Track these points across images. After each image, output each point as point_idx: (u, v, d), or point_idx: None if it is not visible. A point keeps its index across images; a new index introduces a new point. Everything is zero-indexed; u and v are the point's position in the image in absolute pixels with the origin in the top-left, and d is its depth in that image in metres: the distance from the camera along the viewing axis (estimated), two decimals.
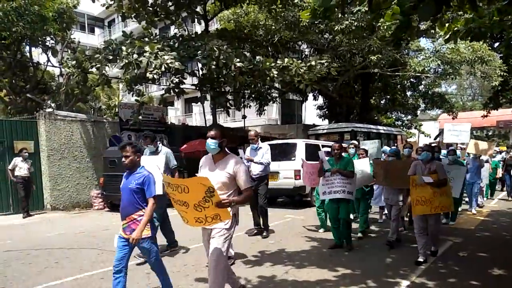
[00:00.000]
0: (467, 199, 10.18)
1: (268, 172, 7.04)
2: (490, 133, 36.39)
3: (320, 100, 22.16)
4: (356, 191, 6.50)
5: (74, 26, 19.33)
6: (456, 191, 6.59)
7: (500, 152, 15.36)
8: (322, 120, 22.67)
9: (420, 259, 5.23)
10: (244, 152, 7.30)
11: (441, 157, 8.39)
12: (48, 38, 16.51)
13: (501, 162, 13.47)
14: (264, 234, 7.01)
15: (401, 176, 5.86)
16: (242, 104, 17.56)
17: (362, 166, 6.83)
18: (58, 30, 15.82)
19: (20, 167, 9.77)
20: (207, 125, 15.40)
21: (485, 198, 11.69)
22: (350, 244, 6.09)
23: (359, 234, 6.87)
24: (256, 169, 6.84)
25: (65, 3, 15.69)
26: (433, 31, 13.34)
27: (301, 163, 7.66)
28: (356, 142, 9.23)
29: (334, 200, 5.88)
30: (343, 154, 6.36)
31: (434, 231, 5.49)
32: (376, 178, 6.71)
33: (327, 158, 6.32)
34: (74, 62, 10.54)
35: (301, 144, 10.54)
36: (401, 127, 24.28)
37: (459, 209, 8.93)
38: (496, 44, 15.03)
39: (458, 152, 9.64)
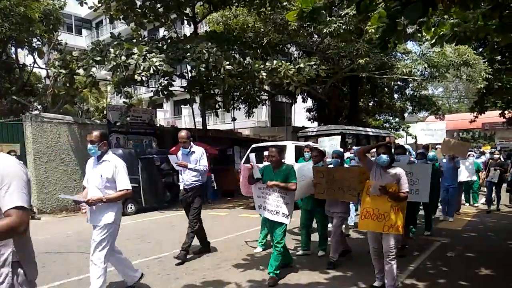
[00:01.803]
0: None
1: (204, 181, 5.87)
2: (476, 135, 37.05)
3: (309, 103, 22.29)
4: (307, 202, 5.71)
5: (61, 28, 19.10)
6: (423, 195, 5.40)
7: (483, 153, 14.19)
8: (312, 122, 22.79)
9: (376, 284, 4.41)
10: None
11: (412, 158, 7.30)
12: (34, 40, 16.28)
13: (482, 165, 11.78)
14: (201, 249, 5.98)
15: (349, 187, 4.95)
16: (232, 106, 17.56)
17: (306, 171, 5.54)
18: (44, 31, 15.62)
19: None
20: (197, 127, 15.34)
21: (466, 204, 10.92)
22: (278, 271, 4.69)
23: (320, 252, 5.75)
24: (188, 178, 5.68)
25: (51, 5, 15.50)
26: (419, 34, 13.53)
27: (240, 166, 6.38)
28: (312, 145, 7.88)
29: (268, 219, 4.75)
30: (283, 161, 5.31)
31: (387, 252, 4.17)
32: (315, 190, 5.35)
33: (266, 163, 5.46)
34: (60, 63, 10.41)
35: (290, 146, 10.57)
36: (389, 129, 24.55)
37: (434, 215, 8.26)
38: (481, 49, 15.32)
39: (433, 153, 8.46)
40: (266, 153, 6.10)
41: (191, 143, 5.79)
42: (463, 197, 10.75)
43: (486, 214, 9.86)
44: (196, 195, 5.72)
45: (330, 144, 8.96)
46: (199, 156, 5.66)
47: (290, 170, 4.65)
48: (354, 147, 7.07)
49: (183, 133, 5.74)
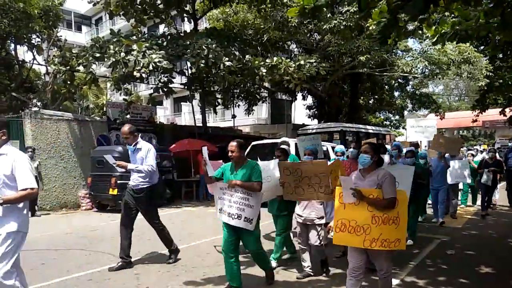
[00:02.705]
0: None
1: (154, 183, 5.09)
2: (476, 133, 37.06)
3: (309, 100, 22.26)
4: (272, 206, 5.18)
5: (61, 24, 19.04)
6: None
7: (482, 152, 13.21)
8: (312, 120, 22.78)
9: None
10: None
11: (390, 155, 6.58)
12: (33, 36, 16.22)
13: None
14: (171, 259, 5.35)
15: (320, 185, 4.12)
16: (232, 104, 17.54)
17: (272, 169, 4.90)
18: (44, 27, 15.57)
19: None
20: (197, 124, 15.32)
21: (462, 205, 10.18)
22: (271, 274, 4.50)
23: (274, 263, 4.99)
24: (135, 178, 5.01)
25: (50, 1, 15.44)
26: (420, 31, 13.51)
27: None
28: (288, 141, 7.20)
29: (229, 225, 4.08)
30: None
31: (380, 270, 3.52)
32: (283, 191, 4.49)
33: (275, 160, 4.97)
34: (60, 59, 10.38)
35: (291, 144, 10.55)
36: (390, 127, 24.55)
37: (420, 219, 7.73)
38: (482, 47, 15.28)
39: (424, 150, 7.87)
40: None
41: (138, 138, 5.08)
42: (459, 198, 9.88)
43: (484, 215, 9.10)
44: (143, 199, 5.01)
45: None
46: (145, 154, 4.95)
47: (254, 167, 4.04)
48: (351, 149, 6.10)
49: (125, 128, 4.99)
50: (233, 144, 4.03)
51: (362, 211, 3.34)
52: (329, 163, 4.47)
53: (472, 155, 11.05)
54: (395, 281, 4.53)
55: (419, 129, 10.52)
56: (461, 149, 10.07)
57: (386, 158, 5.21)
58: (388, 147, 7.81)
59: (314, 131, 16.12)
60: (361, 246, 3.33)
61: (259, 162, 4.79)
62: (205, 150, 4.22)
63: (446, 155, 8.27)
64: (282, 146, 5.49)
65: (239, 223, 3.99)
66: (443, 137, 8.77)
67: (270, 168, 4.90)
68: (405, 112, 24.43)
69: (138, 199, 5.01)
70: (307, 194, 4.23)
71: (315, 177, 4.12)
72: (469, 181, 9.24)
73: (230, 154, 4.02)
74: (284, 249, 5.31)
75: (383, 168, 3.59)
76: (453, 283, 4.52)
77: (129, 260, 5.12)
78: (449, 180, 8.38)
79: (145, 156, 4.94)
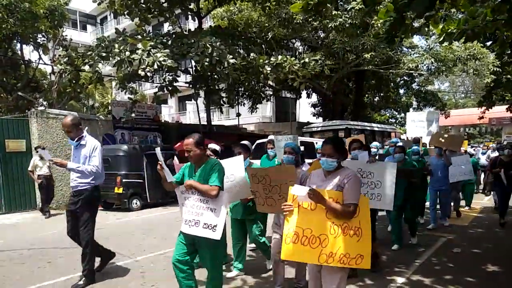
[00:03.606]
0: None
1: (96, 184, 4.42)
2: (483, 130, 36.79)
3: (314, 98, 22.21)
4: (236, 209, 4.60)
5: (66, 23, 19.12)
6: (385, 202, 4.38)
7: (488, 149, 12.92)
8: (316, 118, 22.73)
9: None
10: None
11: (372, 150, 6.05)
12: (39, 36, 16.34)
13: (487, 161, 10.75)
14: (81, 282, 4.37)
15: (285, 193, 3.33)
16: (236, 102, 17.54)
17: (235, 167, 4.26)
18: (49, 27, 15.66)
19: (40, 166, 9.61)
20: (201, 123, 15.35)
21: (466, 207, 9.64)
22: None
23: (234, 272, 4.66)
24: (74, 178, 4.41)
25: (56, 0, 15.51)
26: (426, 29, 13.43)
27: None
28: (275, 138, 6.80)
29: (187, 236, 3.38)
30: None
31: None
32: (256, 202, 3.88)
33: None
34: (66, 59, 10.44)
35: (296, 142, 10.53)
36: (395, 125, 24.43)
37: (422, 221, 7.53)
38: (489, 43, 15.14)
39: (416, 145, 7.38)
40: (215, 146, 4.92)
41: (84, 133, 4.39)
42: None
43: (493, 210, 9.24)
44: (84, 202, 4.33)
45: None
46: (90, 152, 4.31)
47: (213, 167, 3.37)
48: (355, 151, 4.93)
49: (67, 119, 4.29)
50: (188, 142, 3.36)
51: (319, 217, 2.70)
52: (304, 167, 4.05)
53: (475, 152, 10.65)
54: (401, 279, 4.52)
55: (420, 123, 9.24)
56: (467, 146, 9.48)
57: (365, 155, 4.69)
58: (375, 143, 7.47)
59: (319, 129, 16.11)
60: (316, 262, 2.70)
61: (224, 160, 4.22)
62: (158, 152, 3.46)
63: (447, 151, 7.53)
64: (243, 142, 4.86)
65: (198, 231, 3.27)
66: (443, 134, 8.03)
67: (233, 165, 4.24)
68: (410, 110, 24.31)
69: (76, 202, 4.36)
70: (278, 206, 3.30)
71: (285, 186, 3.31)
72: (471, 176, 8.41)
73: (186, 153, 3.39)
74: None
75: (348, 167, 2.98)
76: (460, 281, 4.50)
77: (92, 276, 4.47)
78: (451, 178, 7.58)
79: (89, 155, 4.29)
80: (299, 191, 2.69)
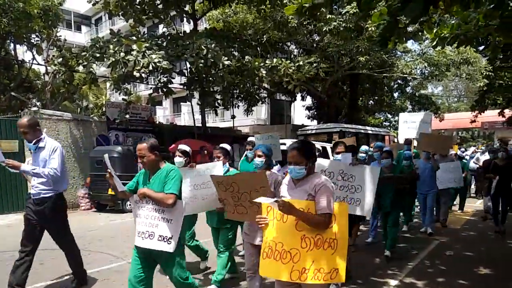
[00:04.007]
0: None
1: (60, 191, 4.10)
2: (475, 134, 37.11)
3: (309, 101, 22.27)
4: (211, 218, 4.32)
5: (60, 24, 19.02)
6: (364, 208, 4.20)
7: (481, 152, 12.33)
8: (311, 120, 22.79)
9: None
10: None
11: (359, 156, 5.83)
12: (33, 36, 16.22)
13: (475, 164, 10.63)
14: (74, 283, 4.37)
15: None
16: (231, 104, 17.54)
17: (205, 175, 4.00)
18: (43, 27, 15.57)
19: None
20: (196, 125, 15.33)
21: (459, 211, 9.63)
22: None
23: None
24: (35, 184, 4.03)
25: (50, 0, 15.43)
26: (420, 33, 13.56)
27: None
28: (254, 140, 6.51)
29: (142, 249, 3.18)
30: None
31: None
32: (226, 210, 3.33)
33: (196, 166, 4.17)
34: (60, 60, 10.38)
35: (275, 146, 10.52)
36: (389, 128, 24.57)
37: (405, 228, 7.35)
38: (481, 48, 15.31)
39: (408, 150, 7.10)
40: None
41: (42, 134, 4.04)
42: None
43: (483, 216, 8.82)
44: (46, 212, 3.97)
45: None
46: (49, 154, 3.96)
47: (169, 173, 3.14)
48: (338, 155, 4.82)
49: (23, 120, 3.97)
50: (141, 147, 3.13)
51: (290, 230, 2.50)
52: (274, 171, 3.80)
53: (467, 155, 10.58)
54: (394, 282, 4.54)
55: (412, 124, 8.74)
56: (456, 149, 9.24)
57: (347, 157, 4.46)
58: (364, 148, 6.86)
59: (313, 131, 16.16)
60: (287, 280, 2.47)
61: (199, 165, 4.16)
62: (107, 159, 3.16)
63: (436, 156, 7.39)
64: (222, 145, 4.47)
65: (152, 244, 3.08)
66: (431, 136, 7.65)
67: (211, 172, 3.97)
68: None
69: (39, 212, 3.97)
70: (251, 214, 3.05)
71: (255, 193, 3.00)
72: (462, 184, 8.28)
73: (139, 159, 3.16)
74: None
75: (320, 173, 2.76)
76: (452, 284, 4.53)
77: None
78: (439, 185, 7.43)
79: (48, 157, 3.94)
80: (267, 203, 2.51)
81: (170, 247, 3.08)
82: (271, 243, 2.56)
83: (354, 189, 4.19)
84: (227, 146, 4.50)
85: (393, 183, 5.27)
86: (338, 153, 3.94)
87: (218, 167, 4.12)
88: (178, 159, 4.49)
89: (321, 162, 4.25)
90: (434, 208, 7.55)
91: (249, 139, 6.55)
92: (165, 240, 3.07)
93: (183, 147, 4.67)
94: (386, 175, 5.11)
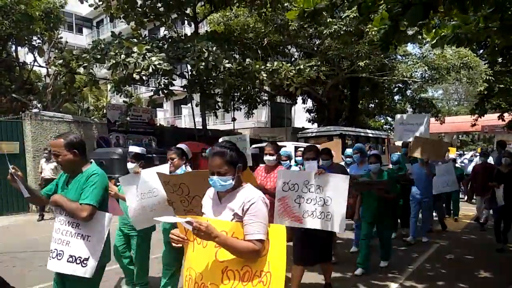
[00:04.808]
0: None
1: None
2: (475, 138, 37.13)
3: (309, 104, 22.32)
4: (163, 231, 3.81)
5: (62, 26, 19.08)
6: (335, 222, 3.67)
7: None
8: (311, 123, 22.82)
9: None
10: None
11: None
12: (34, 38, 16.27)
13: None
14: None
15: None
16: (232, 107, 17.58)
17: (159, 182, 3.22)
18: (45, 29, 15.61)
19: (44, 169, 9.56)
20: (196, 127, 15.35)
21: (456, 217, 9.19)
22: None
23: None
24: None
25: (52, 3, 15.48)
26: (420, 36, 13.57)
27: None
28: (228, 140, 5.51)
29: (57, 275, 2.71)
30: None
31: None
32: (175, 213, 3.05)
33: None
34: (61, 61, 10.42)
35: (290, 147, 10.56)
36: (389, 131, 24.57)
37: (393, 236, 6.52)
38: (481, 51, 15.36)
39: (397, 155, 6.82)
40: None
41: None
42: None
43: (480, 226, 8.17)
44: None
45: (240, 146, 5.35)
46: None
47: (89, 178, 2.53)
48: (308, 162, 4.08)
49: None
50: (55, 143, 2.55)
51: (210, 259, 1.91)
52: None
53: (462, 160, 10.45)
54: (394, 285, 4.54)
55: (408, 127, 8.30)
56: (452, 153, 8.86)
57: (313, 165, 3.92)
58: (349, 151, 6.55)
59: (313, 134, 16.17)
60: None
61: (145, 170, 3.55)
62: (43, 161, 2.76)
63: (430, 161, 6.78)
64: (179, 145, 3.99)
65: (60, 266, 2.47)
66: (426, 141, 7.00)
67: (153, 179, 3.34)
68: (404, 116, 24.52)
69: None
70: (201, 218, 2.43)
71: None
72: (456, 188, 7.78)
73: (54, 158, 2.60)
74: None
75: (249, 184, 2.10)
76: (453, 287, 4.53)
77: None
78: (434, 190, 6.93)
79: None
80: (180, 222, 1.84)
81: (84, 271, 2.41)
82: (191, 272, 1.98)
83: (323, 201, 3.67)
84: (183, 146, 3.97)
85: (378, 192, 4.77)
86: (307, 159, 3.48)
87: (164, 170, 3.47)
88: (130, 165, 3.84)
89: (283, 172, 3.94)
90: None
91: (222, 138, 6.18)
92: (79, 261, 2.43)
93: (134, 149, 4.09)
94: (371, 181, 4.73)
